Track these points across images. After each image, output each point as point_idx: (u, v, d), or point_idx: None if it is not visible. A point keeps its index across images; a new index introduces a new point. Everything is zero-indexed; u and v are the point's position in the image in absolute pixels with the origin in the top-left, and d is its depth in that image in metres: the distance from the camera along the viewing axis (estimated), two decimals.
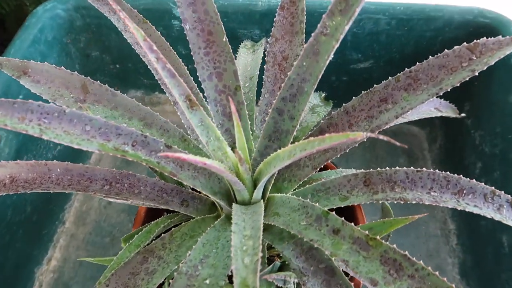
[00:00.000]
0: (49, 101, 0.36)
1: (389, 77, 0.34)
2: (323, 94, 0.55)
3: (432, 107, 0.44)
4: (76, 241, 0.64)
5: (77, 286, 0.60)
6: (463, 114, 0.46)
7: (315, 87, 0.28)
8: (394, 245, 0.27)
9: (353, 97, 0.35)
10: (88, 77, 0.37)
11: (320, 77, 0.27)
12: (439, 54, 0.33)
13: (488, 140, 0.62)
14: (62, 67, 0.36)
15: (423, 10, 0.63)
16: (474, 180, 0.34)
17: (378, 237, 0.28)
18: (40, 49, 0.62)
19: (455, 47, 0.32)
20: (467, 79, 0.31)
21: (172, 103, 0.39)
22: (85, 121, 0.27)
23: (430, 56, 0.33)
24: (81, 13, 0.66)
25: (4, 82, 0.54)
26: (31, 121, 0.25)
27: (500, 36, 0.32)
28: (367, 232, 0.28)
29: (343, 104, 0.35)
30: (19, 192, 0.36)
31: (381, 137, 0.23)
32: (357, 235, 0.29)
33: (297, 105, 0.30)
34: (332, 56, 0.26)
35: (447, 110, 0.45)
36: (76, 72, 0.36)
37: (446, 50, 0.33)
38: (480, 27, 0.63)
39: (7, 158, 0.54)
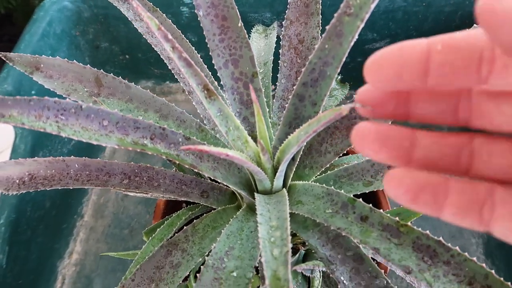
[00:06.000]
0: (63, 96, 0.35)
1: None
2: (339, 77, 0.53)
3: None
4: (95, 234, 0.65)
5: (99, 278, 0.60)
6: None
7: (339, 70, 0.26)
8: (427, 231, 0.26)
9: None
10: (101, 69, 0.36)
11: (344, 60, 0.26)
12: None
13: None
14: (74, 60, 0.35)
15: None
16: None
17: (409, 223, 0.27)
18: (50, 43, 0.61)
19: None
20: None
21: (186, 92, 0.38)
22: (102, 115, 0.26)
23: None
24: (88, 4, 0.65)
25: (16, 77, 0.54)
26: (48, 119, 0.24)
27: None
28: (397, 218, 0.27)
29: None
30: (38, 190, 0.36)
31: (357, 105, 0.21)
32: (386, 221, 0.28)
33: (319, 90, 0.28)
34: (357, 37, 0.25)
35: None
36: (88, 65, 0.36)
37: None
38: None
39: (24, 155, 0.54)
